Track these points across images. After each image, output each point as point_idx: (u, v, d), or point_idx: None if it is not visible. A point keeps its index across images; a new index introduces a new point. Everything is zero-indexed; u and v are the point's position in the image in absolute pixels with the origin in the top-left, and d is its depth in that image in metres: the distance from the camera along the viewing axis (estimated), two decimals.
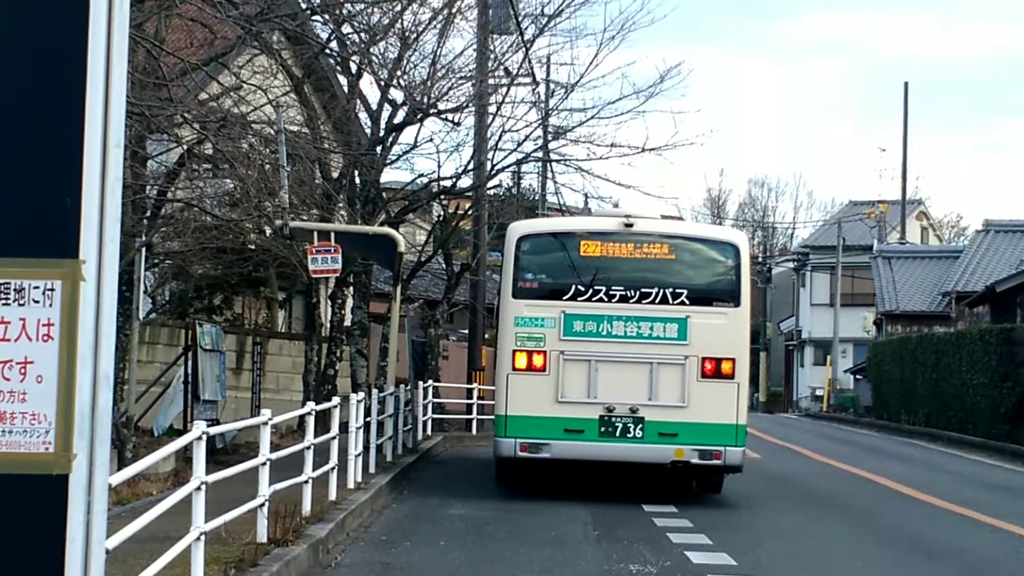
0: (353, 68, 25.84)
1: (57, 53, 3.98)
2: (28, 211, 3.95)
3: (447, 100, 25.44)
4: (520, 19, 27.15)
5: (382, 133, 26.09)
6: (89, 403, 3.98)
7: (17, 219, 3.95)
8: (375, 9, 22.81)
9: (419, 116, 25.52)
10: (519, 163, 30.44)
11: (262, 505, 11.65)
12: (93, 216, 3.96)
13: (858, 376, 55.98)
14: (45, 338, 3.97)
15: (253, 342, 27.43)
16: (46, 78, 3.97)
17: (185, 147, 19.40)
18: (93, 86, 3.97)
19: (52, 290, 3.97)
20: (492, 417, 19.57)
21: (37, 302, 3.97)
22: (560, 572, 12.29)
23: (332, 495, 15.13)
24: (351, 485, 16.45)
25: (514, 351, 17.62)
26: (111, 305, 4.03)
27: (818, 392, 62.18)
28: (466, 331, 36.63)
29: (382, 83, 25.53)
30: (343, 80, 26.99)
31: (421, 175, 29.14)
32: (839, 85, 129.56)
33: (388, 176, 30.89)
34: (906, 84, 66.18)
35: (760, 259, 76.27)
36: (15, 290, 3.97)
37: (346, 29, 23.58)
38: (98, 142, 3.97)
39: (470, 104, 26.46)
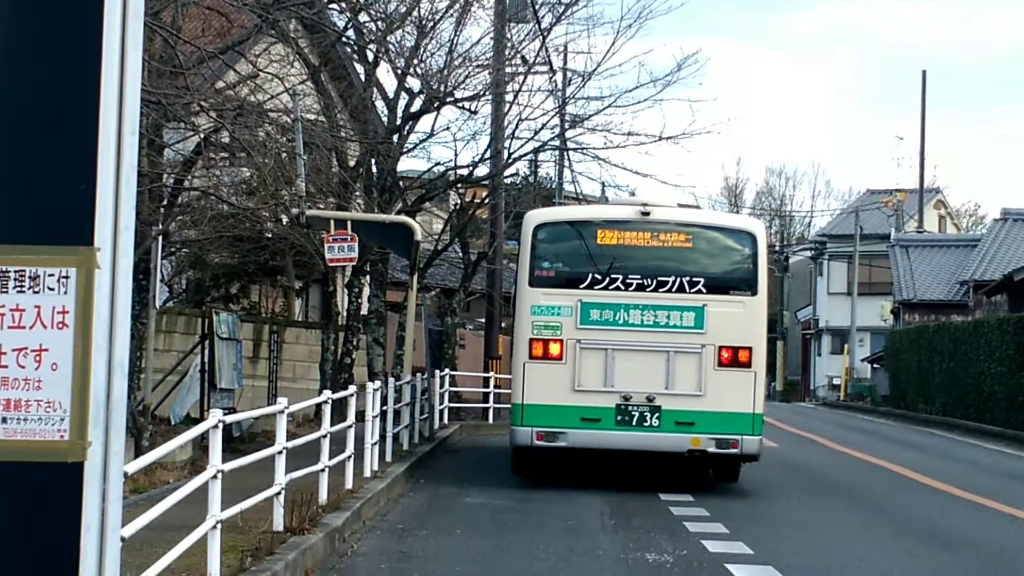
0: (370, 56, 25.83)
1: (71, 40, 3.96)
2: (42, 198, 3.93)
3: (464, 88, 25.43)
4: (537, 7, 27.08)
5: (399, 121, 26.06)
6: (104, 391, 3.97)
7: (31, 206, 3.93)
8: None
9: (436, 104, 25.50)
10: (536, 151, 30.36)
11: (278, 494, 11.66)
12: (108, 204, 3.94)
13: (875, 365, 55.88)
14: (60, 325, 3.96)
15: (270, 331, 27.45)
16: (60, 65, 3.95)
17: (202, 135, 19.42)
18: (108, 73, 3.95)
19: (67, 277, 3.95)
20: (509, 406, 19.55)
21: (52, 289, 3.96)
22: (577, 561, 12.28)
23: (348, 484, 15.14)
24: (368, 474, 16.47)
25: (531, 340, 17.59)
26: (126, 293, 4.01)
27: (835, 381, 62.06)
28: (483, 320, 36.60)
29: (399, 71, 25.51)
30: (360, 68, 26.99)
31: (438, 164, 29.14)
32: (855, 74, 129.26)
33: (405, 165, 30.92)
34: (924, 72, 66.41)
35: (777, 248, 76.10)
36: (30, 277, 3.95)
37: (363, 17, 23.60)
38: (113, 129, 3.95)
39: (487, 93, 26.43)
